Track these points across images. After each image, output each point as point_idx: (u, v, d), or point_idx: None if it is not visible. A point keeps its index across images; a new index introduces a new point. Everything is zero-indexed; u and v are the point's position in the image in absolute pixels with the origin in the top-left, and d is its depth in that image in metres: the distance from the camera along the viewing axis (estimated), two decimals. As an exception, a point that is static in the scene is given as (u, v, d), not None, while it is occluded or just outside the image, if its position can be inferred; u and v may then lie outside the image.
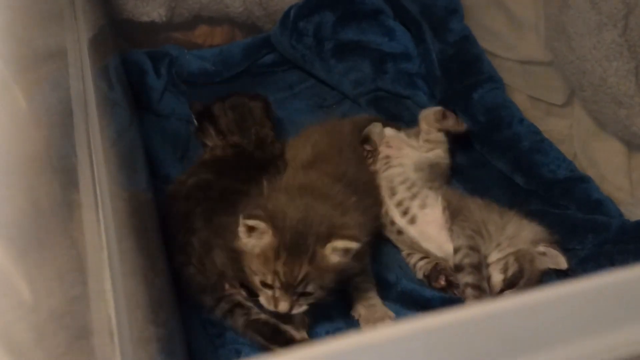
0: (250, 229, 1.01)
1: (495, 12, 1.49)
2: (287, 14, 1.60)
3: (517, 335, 0.42)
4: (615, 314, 0.44)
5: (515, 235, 1.17)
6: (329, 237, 1.01)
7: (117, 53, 1.46)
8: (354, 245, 1.01)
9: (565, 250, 1.20)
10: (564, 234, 1.21)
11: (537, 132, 1.39)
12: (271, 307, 1.02)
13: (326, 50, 1.56)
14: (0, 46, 0.75)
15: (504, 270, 1.14)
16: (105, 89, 1.04)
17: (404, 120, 1.48)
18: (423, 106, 1.50)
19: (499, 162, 1.38)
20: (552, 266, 1.15)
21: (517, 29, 1.44)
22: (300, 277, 1.00)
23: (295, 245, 1.00)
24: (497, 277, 1.14)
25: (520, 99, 1.46)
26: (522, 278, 1.15)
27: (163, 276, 1.04)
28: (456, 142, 1.42)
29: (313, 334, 1.10)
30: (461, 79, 1.48)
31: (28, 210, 0.62)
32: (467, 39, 1.52)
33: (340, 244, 1.01)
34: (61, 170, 0.74)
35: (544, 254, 1.15)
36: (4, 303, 0.53)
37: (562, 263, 1.14)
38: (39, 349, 0.54)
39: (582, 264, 1.17)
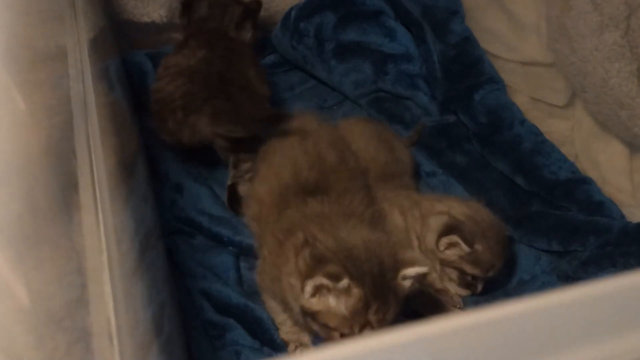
0: (320, 288, 0.89)
1: (496, 13, 1.49)
2: (287, 14, 1.60)
3: (519, 341, 0.42)
4: (618, 319, 0.44)
5: (428, 245, 1.15)
6: (397, 266, 0.92)
7: (118, 54, 1.46)
8: (424, 270, 0.93)
9: (567, 252, 1.20)
10: (565, 236, 1.21)
11: (539, 133, 1.39)
12: None
13: (327, 51, 1.55)
14: (0, 47, 0.74)
15: (449, 279, 1.15)
16: (105, 90, 1.03)
17: (405, 121, 1.48)
18: (424, 107, 1.50)
19: (500, 164, 1.37)
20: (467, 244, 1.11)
21: (519, 30, 1.44)
22: (391, 318, 0.91)
23: (379, 287, 0.89)
24: (454, 288, 1.15)
25: (521, 100, 1.46)
26: (471, 274, 1.13)
27: (163, 276, 1.04)
28: (456, 143, 1.42)
29: (315, 337, 1.10)
30: (462, 80, 1.48)
31: (27, 212, 0.61)
32: (468, 40, 1.52)
33: (411, 271, 0.92)
34: (60, 172, 0.74)
35: (453, 245, 1.12)
36: (2, 306, 0.52)
37: (464, 248, 1.11)
38: (38, 353, 0.54)
39: (584, 266, 1.17)
